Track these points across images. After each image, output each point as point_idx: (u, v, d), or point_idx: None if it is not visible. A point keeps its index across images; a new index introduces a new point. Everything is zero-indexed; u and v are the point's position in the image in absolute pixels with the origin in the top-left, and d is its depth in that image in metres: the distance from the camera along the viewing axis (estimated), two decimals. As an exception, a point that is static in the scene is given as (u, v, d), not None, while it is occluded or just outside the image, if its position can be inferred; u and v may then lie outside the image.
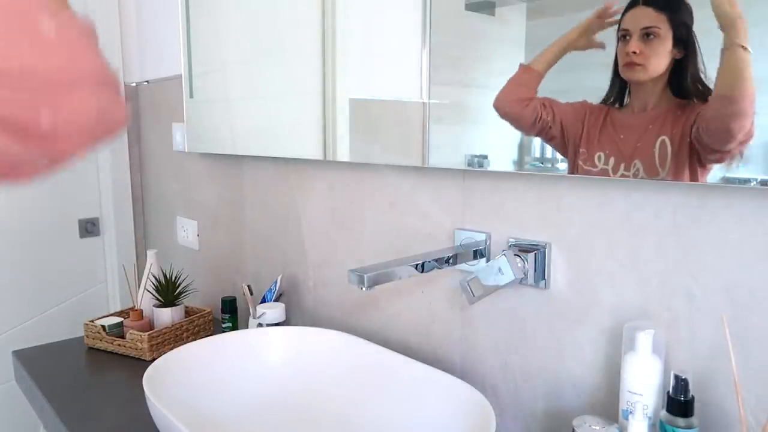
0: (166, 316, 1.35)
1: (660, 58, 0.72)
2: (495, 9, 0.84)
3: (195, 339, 1.36)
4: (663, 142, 0.71)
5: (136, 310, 1.37)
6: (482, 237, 0.92)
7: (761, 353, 0.67)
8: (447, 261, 0.87)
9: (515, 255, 0.83)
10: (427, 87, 0.94)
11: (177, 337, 1.33)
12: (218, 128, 1.44)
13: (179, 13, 1.52)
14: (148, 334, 1.26)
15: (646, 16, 0.73)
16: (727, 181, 0.65)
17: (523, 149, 0.84)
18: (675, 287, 0.73)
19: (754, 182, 0.63)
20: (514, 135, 0.84)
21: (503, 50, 0.84)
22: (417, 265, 0.83)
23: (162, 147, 1.82)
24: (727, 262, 0.69)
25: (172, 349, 1.30)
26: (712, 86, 0.66)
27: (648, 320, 0.75)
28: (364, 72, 1.07)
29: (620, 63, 0.75)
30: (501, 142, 0.86)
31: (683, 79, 0.70)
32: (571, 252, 0.83)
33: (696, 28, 0.67)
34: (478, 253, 0.91)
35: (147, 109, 1.90)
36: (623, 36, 0.75)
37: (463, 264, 0.92)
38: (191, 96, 1.53)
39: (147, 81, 1.87)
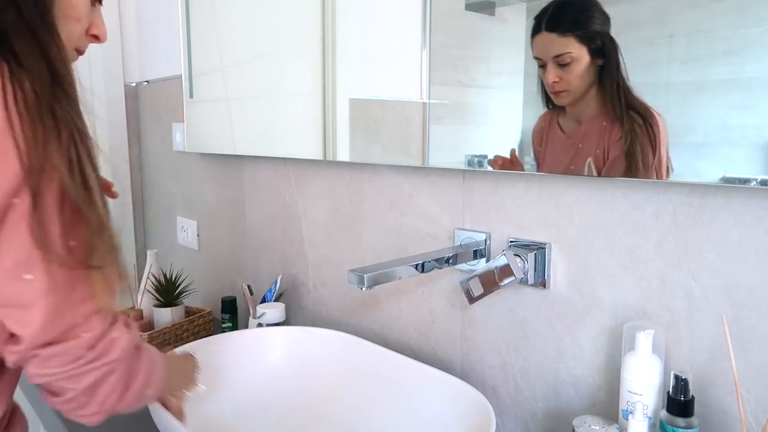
0: (166, 316, 1.35)
1: (582, 78, 0.70)
2: (495, 9, 0.84)
3: (195, 339, 1.35)
4: (589, 165, 0.71)
5: (136, 310, 1.37)
6: (482, 237, 0.92)
7: (761, 353, 0.67)
8: (447, 261, 0.87)
9: (515, 255, 0.83)
10: (427, 87, 0.94)
11: (177, 337, 1.33)
12: (218, 128, 1.44)
13: (179, 13, 1.52)
14: (148, 334, 1.26)
15: (553, 44, 0.71)
16: (726, 180, 0.65)
17: (523, 149, 0.84)
18: (675, 287, 0.73)
19: (754, 182, 0.63)
20: (514, 135, 0.84)
21: (503, 50, 0.84)
22: (417, 265, 0.83)
23: (162, 147, 1.82)
24: (727, 262, 0.69)
25: (172, 349, 1.29)
26: (633, 91, 0.66)
27: (648, 320, 0.75)
28: (364, 72, 1.07)
29: (548, 90, 0.74)
30: (501, 142, 0.86)
31: (608, 87, 0.69)
32: (571, 252, 0.83)
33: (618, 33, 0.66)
34: (478, 253, 0.91)
35: (147, 109, 1.90)
36: (540, 65, 0.73)
37: (464, 264, 0.92)
38: (191, 96, 1.53)
39: (147, 81, 1.87)
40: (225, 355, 1.04)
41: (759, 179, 0.63)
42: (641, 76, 0.70)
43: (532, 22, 0.74)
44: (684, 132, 0.68)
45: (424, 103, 0.95)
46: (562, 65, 0.70)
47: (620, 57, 0.66)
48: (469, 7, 0.88)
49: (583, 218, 0.81)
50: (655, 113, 0.67)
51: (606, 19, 0.67)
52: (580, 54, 0.69)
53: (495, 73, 0.85)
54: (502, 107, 0.86)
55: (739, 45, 0.63)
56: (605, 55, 0.67)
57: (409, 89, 0.98)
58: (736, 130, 0.65)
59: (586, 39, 0.68)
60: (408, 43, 0.97)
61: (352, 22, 1.08)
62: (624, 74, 0.66)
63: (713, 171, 0.67)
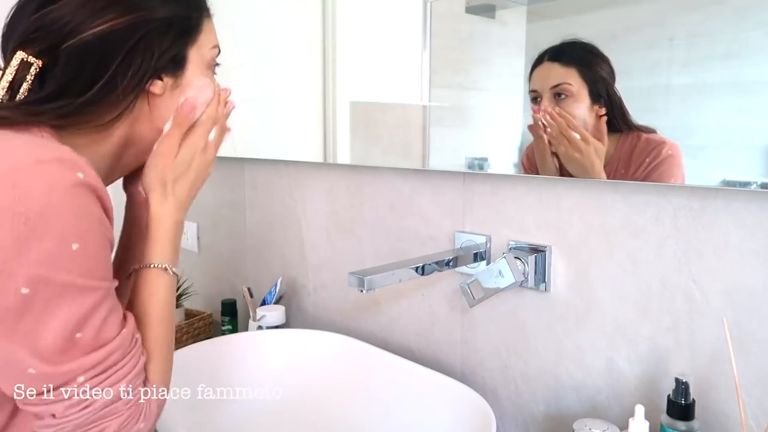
0: (166, 318, 1.34)
1: (577, 116, 0.65)
2: (495, 12, 0.84)
3: (195, 342, 1.35)
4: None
5: (136, 313, 1.36)
6: (482, 239, 0.92)
7: (762, 356, 0.67)
8: (447, 264, 0.87)
9: (515, 258, 0.83)
10: (428, 90, 0.94)
11: (177, 339, 1.33)
12: (218, 131, 1.44)
13: (180, 15, 1.52)
14: (148, 337, 1.26)
15: (554, 73, 0.67)
16: (727, 183, 0.65)
17: (523, 152, 0.84)
18: (675, 290, 0.73)
19: (755, 185, 0.63)
20: (514, 138, 0.84)
21: (503, 53, 0.84)
22: (417, 267, 0.83)
23: (162, 149, 1.82)
24: (728, 265, 0.68)
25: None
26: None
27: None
28: (364, 74, 1.07)
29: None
30: (501, 145, 0.87)
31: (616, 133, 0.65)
32: (572, 254, 0.82)
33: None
34: (478, 256, 0.91)
35: (147, 112, 1.89)
36: (534, 99, 0.70)
37: (464, 267, 0.91)
38: (192, 98, 1.53)
39: (147, 83, 1.86)
40: (225, 358, 1.04)
41: (759, 182, 0.63)
42: (642, 80, 0.70)
43: (535, 56, 0.72)
44: (684, 135, 0.68)
45: (424, 106, 0.95)
46: (559, 97, 0.67)
47: (626, 110, 0.64)
48: (469, 9, 0.88)
49: (583, 221, 0.81)
50: (667, 145, 0.65)
51: (612, 74, 0.65)
52: (579, 91, 0.66)
53: (495, 75, 0.85)
54: (502, 110, 0.86)
55: (739, 48, 0.63)
56: (610, 104, 0.65)
57: (410, 92, 0.98)
58: (736, 133, 0.65)
59: (589, 78, 0.66)
60: (408, 45, 0.97)
61: (352, 24, 1.08)
62: (632, 120, 0.65)
63: (713, 174, 0.67)
